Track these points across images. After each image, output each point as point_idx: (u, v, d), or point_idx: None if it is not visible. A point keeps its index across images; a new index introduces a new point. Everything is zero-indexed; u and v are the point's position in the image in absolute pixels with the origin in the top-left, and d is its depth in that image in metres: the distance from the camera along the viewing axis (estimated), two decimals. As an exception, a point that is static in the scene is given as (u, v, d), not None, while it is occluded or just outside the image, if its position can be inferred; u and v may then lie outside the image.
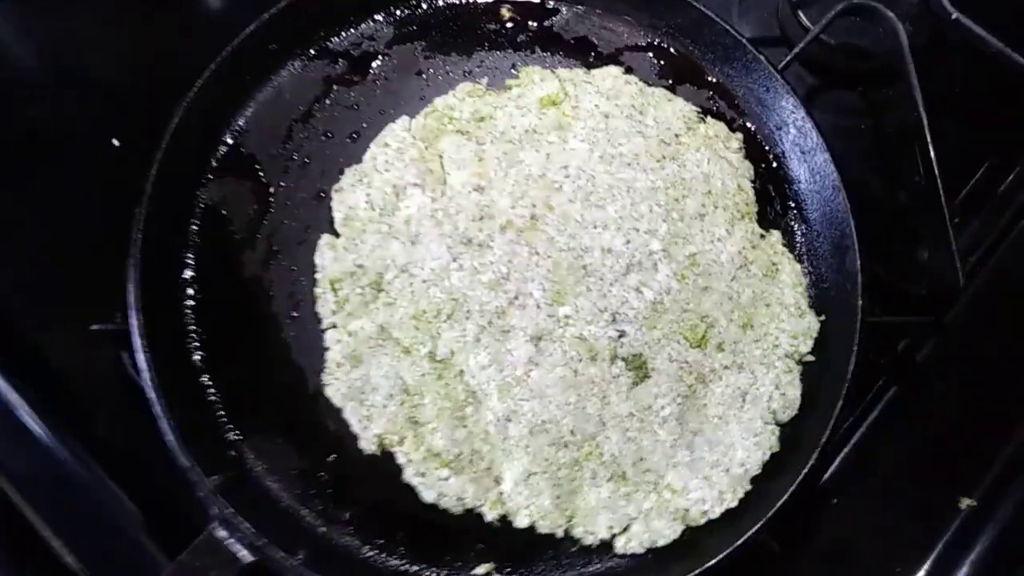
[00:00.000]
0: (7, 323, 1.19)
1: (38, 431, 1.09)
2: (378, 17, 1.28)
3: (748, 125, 1.25)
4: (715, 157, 1.19)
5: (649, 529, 1.05)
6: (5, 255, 1.23)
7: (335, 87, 1.23)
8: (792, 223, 1.20)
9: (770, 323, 1.13)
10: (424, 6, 1.29)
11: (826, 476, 1.13)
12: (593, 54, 1.28)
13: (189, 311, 1.11)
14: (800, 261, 1.18)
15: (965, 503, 1.08)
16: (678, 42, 1.29)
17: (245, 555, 0.99)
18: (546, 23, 1.30)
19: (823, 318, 1.14)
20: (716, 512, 1.06)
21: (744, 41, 1.22)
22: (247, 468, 1.07)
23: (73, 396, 1.16)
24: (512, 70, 1.26)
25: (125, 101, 1.32)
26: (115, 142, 1.28)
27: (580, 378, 1.07)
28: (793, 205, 1.21)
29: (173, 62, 1.32)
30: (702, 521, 1.06)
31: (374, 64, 1.25)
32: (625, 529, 1.06)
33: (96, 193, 1.24)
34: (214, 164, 1.18)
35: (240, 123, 1.20)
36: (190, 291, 1.12)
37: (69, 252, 1.23)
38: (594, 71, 1.25)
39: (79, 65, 1.38)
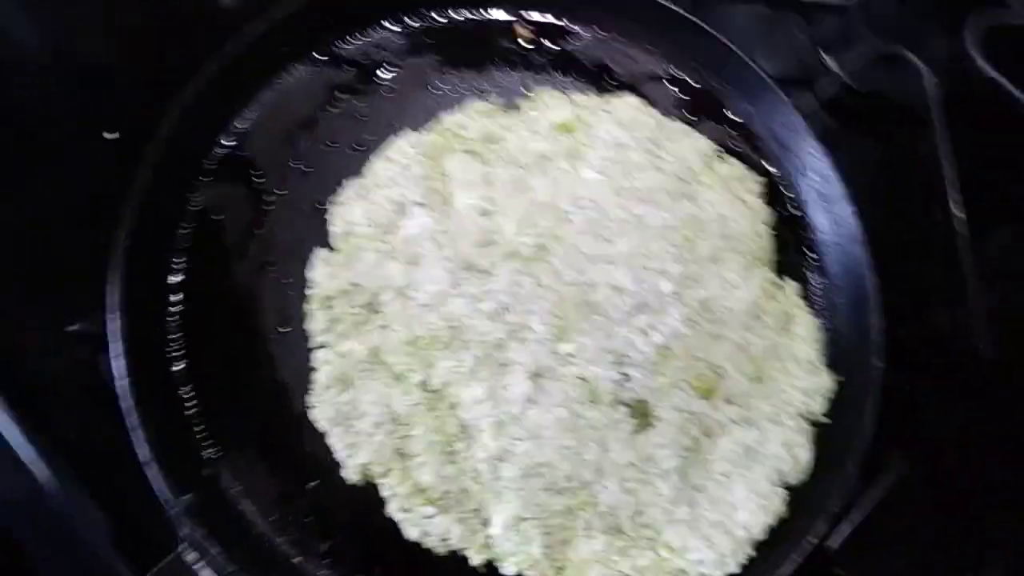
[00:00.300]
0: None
1: (8, 432, 1.03)
2: (391, 27, 1.23)
3: (769, 168, 1.20)
4: (733, 199, 1.14)
5: (643, 588, 1.00)
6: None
7: (341, 95, 1.19)
8: (810, 274, 1.16)
9: (782, 378, 1.08)
10: (440, 19, 1.25)
11: (831, 544, 1.08)
12: (611, 81, 1.24)
13: (173, 318, 1.06)
14: (817, 315, 1.13)
15: (980, 583, 1.04)
16: (700, 75, 1.24)
17: (213, 582, 0.94)
18: (564, 46, 1.25)
19: (838, 377, 1.09)
20: (715, 576, 1.00)
21: (770, 80, 1.18)
22: (222, 488, 1.01)
23: (46, 400, 1.09)
24: (526, 91, 1.21)
25: (123, 94, 1.26)
26: (108, 135, 1.22)
27: (579, 421, 1.02)
28: (812, 255, 1.16)
29: (178, 57, 1.26)
30: (699, 585, 1.01)
31: (384, 74, 1.20)
32: (618, 586, 1.00)
33: (84, 187, 1.18)
34: (210, 166, 1.13)
35: (240, 126, 1.16)
36: (175, 297, 1.07)
37: (51, 248, 1.16)
38: (612, 99, 1.20)
39: (80, 53, 1.33)
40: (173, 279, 1.08)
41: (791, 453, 1.04)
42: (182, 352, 1.05)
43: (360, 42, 1.22)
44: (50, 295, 1.13)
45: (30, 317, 1.12)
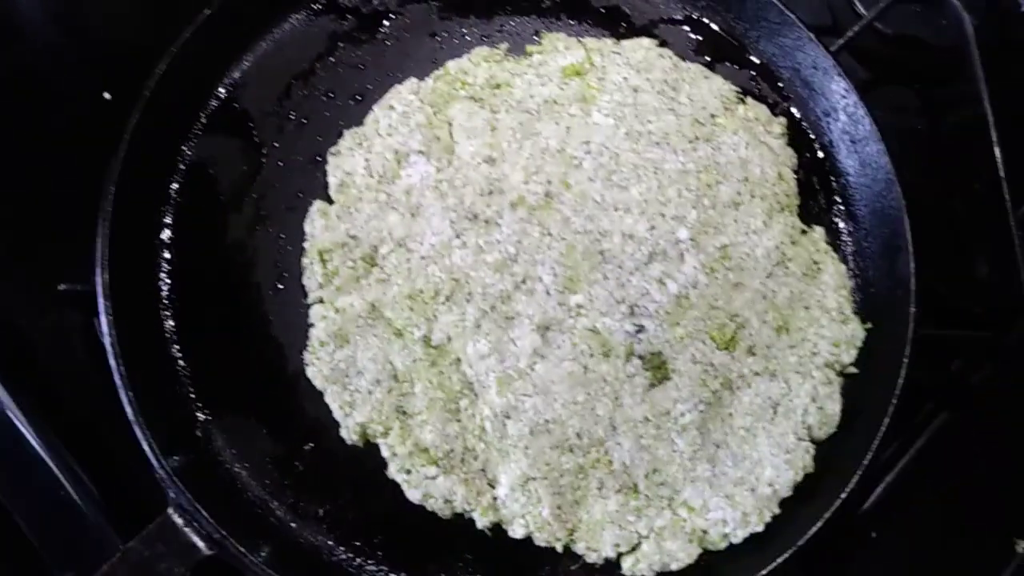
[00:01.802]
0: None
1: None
2: (394, -27, 1.17)
3: (792, 110, 1.14)
4: (754, 142, 1.08)
5: (661, 550, 0.93)
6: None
7: (341, 44, 1.14)
8: (837, 219, 1.09)
9: (808, 328, 1.01)
10: (445, -37, 1.19)
11: (865, 505, 1.01)
12: (624, 25, 1.17)
13: (164, 275, 1.03)
14: (845, 262, 1.06)
15: (1022, 546, 0.96)
16: (719, 16, 1.18)
17: (202, 547, 0.90)
18: (576, -12, 1.19)
19: (869, 326, 1.02)
20: (739, 536, 0.94)
21: (794, 18, 1.12)
22: (214, 451, 0.97)
23: (38, 361, 1.08)
24: (534, 37, 1.15)
25: (121, 52, 1.23)
26: (106, 95, 1.19)
27: (590, 375, 0.96)
28: (839, 199, 1.10)
29: (176, 10, 1.23)
30: (722, 545, 0.95)
31: (385, 23, 1.15)
32: (634, 549, 0.94)
33: (83, 147, 1.14)
34: (203, 119, 1.09)
35: (235, 76, 1.11)
36: (166, 254, 1.03)
37: (48, 207, 1.14)
38: (624, 42, 1.14)
39: (77, 12, 1.30)
40: (165, 234, 1.03)
41: (819, 406, 0.98)
42: (173, 310, 1.01)
43: (360, -11, 1.17)
44: (43, 254, 1.10)
45: (21, 276, 1.10)
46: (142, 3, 1.29)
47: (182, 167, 1.06)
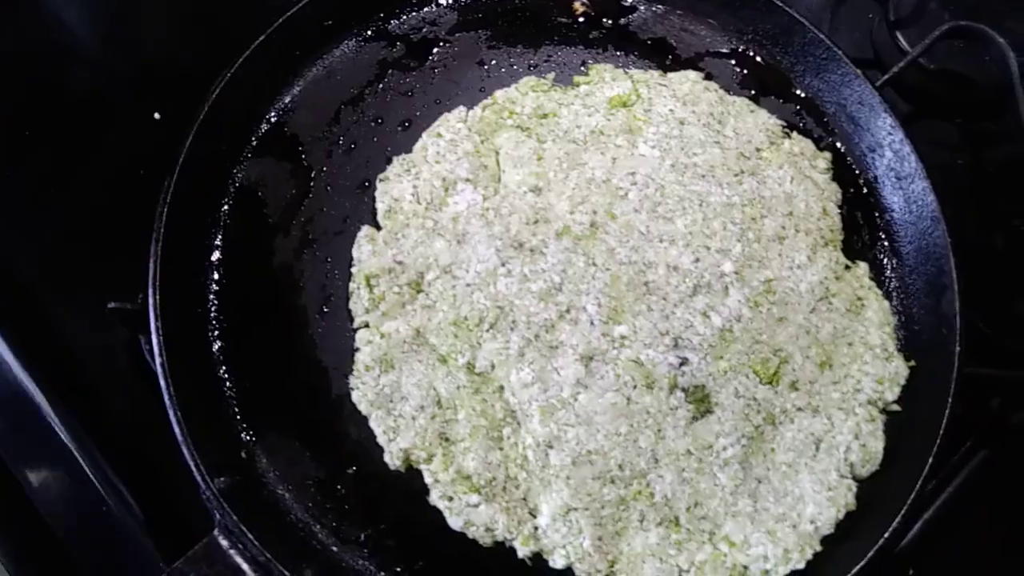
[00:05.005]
0: (25, 294, 1.13)
1: (45, 410, 1.04)
2: (442, 1, 1.19)
3: (837, 145, 1.14)
4: (799, 176, 1.08)
5: (701, 584, 0.93)
6: (31, 222, 1.17)
7: (390, 71, 1.15)
8: (881, 255, 1.09)
9: (852, 364, 1.01)
10: (494, -7, 1.20)
11: (903, 542, 1.00)
12: (670, 57, 1.18)
13: (212, 296, 1.03)
14: (889, 298, 1.06)
15: (1061, 584, 0.96)
16: (765, 50, 1.19)
17: (247, 570, 0.90)
18: (622, 20, 1.20)
19: (912, 364, 1.02)
20: (779, 572, 0.93)
21: (840, 53, 1.12)
22: (258, 473, 0.97)
23: (84, 378, 1.09)
24: (581, 67, 1.17)
25: (172, 74, 1.26)
26: (156, 116, 1.21)
27: (633, 407, 0.96)
28: (884, 236, 1.09)
29: (226, 36, 1.25)
30: (762, 581, 0.94)
31: (434, 50, 1.17)
32: (673, 582, 0.94)
33: (132, 167, 1.17)
34: (254, 142, 1.11)
35: (286, 100, 1.13)
36: (215, 275, 1.04)
37: (97, 225, 1.16)
38: (671, 74, 1.15)
39: (130, 35, 1.32)
40: (214, 256, 1.04)
41: (861, 443, 0.98)
42: (221, 331, 1.02)
43: (410, 18, 1.18)
44: (99, 272, 1.12)
45: (77, 294, 1.12)
46: (191, 26, 1.31)
47: (232, 189, 1.07)
